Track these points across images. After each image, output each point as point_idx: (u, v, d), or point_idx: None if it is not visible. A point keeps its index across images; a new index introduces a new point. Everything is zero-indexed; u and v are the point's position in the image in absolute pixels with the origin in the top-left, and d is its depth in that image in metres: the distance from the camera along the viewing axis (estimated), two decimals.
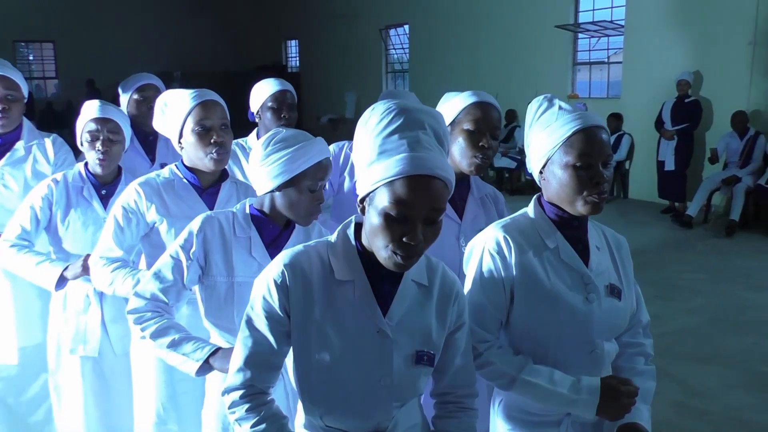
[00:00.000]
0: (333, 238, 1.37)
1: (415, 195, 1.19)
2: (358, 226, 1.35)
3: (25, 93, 2.77)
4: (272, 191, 1.72)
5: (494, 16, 11.67)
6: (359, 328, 1.31)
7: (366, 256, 1.31)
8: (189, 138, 2.04)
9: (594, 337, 1.57)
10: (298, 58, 18.80)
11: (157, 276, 1.76)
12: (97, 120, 2.35)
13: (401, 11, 14.10)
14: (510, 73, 11.45)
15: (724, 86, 8.43)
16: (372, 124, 1.26)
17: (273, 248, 1.77)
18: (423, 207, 1.20)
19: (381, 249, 1.24)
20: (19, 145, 2.78)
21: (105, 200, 2.42)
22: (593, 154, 1.48)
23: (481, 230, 1.96)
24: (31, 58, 19.65)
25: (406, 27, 14.28)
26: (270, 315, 1.33)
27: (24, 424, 2.84)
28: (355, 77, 15.68)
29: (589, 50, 10.70)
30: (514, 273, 1.55)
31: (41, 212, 2.39)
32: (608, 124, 9.38)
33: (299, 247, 1.37)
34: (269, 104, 2.80)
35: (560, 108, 1.56)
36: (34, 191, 2.43)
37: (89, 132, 2.36)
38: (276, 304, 1.32)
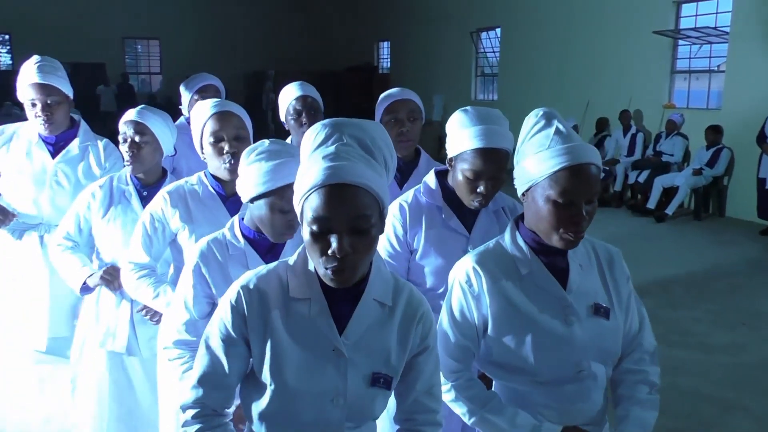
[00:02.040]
0: (292, 259, 1.35)
1: (330, 206, 1.17)
2: None
3: (69, 93, 2.88)
4: (248, 203, 1.74)
5: (589, 20, 11.27)
6: (315, 346, 1.30)
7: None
8: (207, 148, 2.11)
9: (579, 358, 1.54)
10: (389, 60, 18.89)
11: (175, 320, 1.82)
12: (128, 122, 2.41)
13: (493, 14, 13.89)
14: (603, 79, 11.03)
15: None
16: (302, 147, 1.27)
17: (270, 256, 1.81)
18: (341, 217, 1.17)
19: (317, 266, 1.23)
20: (74, 145, 2.91)
21: (146, 202, 2.45)
22: (577, 192, 1.43)
23: None
24: (138, 49, 20.71)
25: (498, 30, 14.05)
26: (225, 337, 1.32)
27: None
28: (444, 80, 15.59)
29: (690, 58, 10.14)
30: (487, 302, 1.54)
31: (84, 219, 2.49)
32: (706, 136, 8.85)
33: (261, 269, 1.36)
34: (290, 112, 2.84)
35: (556, 131, 1.47)
36: (81, 197, 2.52)
37: (121, 134, 2.43)
38: (231, 327, 1.31)
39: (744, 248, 7.42)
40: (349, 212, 1.18)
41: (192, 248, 1.84)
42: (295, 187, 1.25)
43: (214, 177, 2.17)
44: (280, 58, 19.35)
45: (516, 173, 1.55)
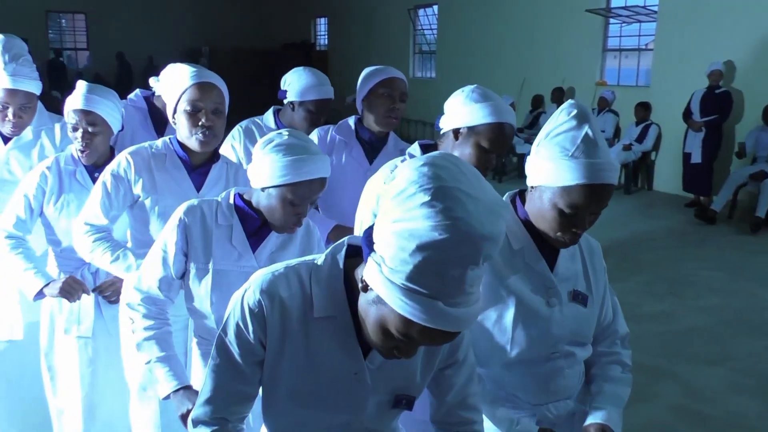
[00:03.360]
0: (320, 260, 1.20)
1: (423, 339, 1.01)
2: (351, 249, 1.19)
3: (38, 92, 2.68)
4: (259, 189, 1.72)
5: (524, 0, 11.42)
6: (335, 369, 1.19)
7: (352, 289, 1.14)
8: (180, 116, 2.05)
9: (556, 340, 1.58)
10: (326, 37, 18.67)
11: (149, 268, 1.81)
12: (78, 111, 2.31)
13: None
14: (538, 57, 11.22)
15: (757, 78, 8.14)
16: (416, 224, 0.94)
17: (255, 239, 1.80)
18: (426, 344, 1.07)
19: (372, 339, 1.10)
20: (28, 129, 2.73)
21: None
22: (586, 209, 1.43)
23: None
24: (63, 23, 19.79)
25: (435, 8, 14.07)
26: (243, 343, 1.20)
27: (20, 399, 2.86)
28: (382, 57, 15.45)
29: (620, 36, 10.41)
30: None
31: (35, 201, 2.38)
32: (636, 113, 9.14)
33: (280, 268, 1.21)
34: (310, 108, 2.82)
35: (585, 139, 1.41)
36: (28, 178, 2.40)
37: (70, 122, 2.33)
38: (250, 335, 1.18)
39: (671, 221, 7.75)
40: (433, 345, 1.11)
41: (181, 205, 1.80)
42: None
43: (182, 145, 2.12)
44: (214, 34, 18.87)
45: (530, 161, 1.51)
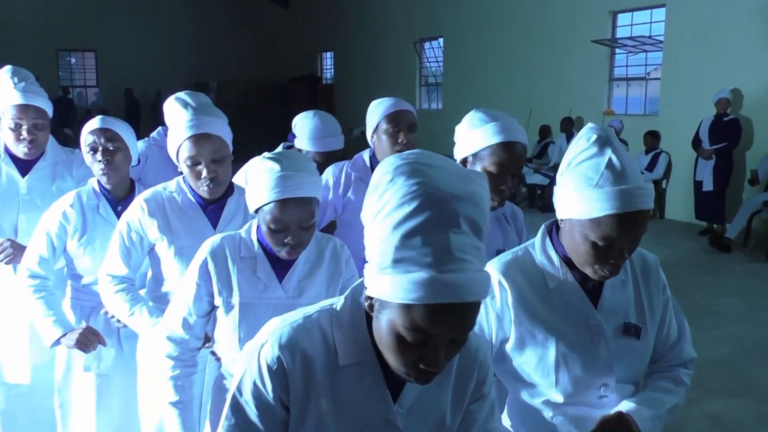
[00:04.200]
0: (338, 305, 1.13)
1: (437, 325, 0.95)
2: None
3: (51, 113, 2.71)
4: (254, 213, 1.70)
5: (530, 31, 11.52)
6: (364, 417, 1.11)
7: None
8: (183, 167, 2.02)
9: (604, 380, 1.46)
10: (332, 70, 18.86)
11: (173, 310, 1.79)
12: (94, 131, 2.30)
13: (436, 24, 14.04)
14: (545, 87, 11.27)
15: (766, 105, 8.14)
16: (389, 206, 0.97)
17: (280, 267, 1.75)
18: (446, 335, 0.97)
19: (393, 364, 1.03)
20: (44, 161, 2.74)
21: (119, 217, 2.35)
22: (620, 238, 1.33)
23: (498, 251, 1.87)
24: (72, 61, 20.04)
25: (441, 40, 14.20)
26: (261, 404, 1.11)
27: None
28: (388, 90, 15.50)
29: (627, 66, 10.47)
30: (511, 318, 1.45)
31: (57, 239, 2.34)
32: (645, 141, 9.14)
33: (297, 318, 1.12)
34: (316, 158, 2.76)
35: (609, 165, 1.33)
36: (49, 215, 2.36)
37: (89, 144, 2.31)
38: (269, 394, 1.09)
39: (684, 249, 7.67)
40: (456, 330, 0.97)
41: (204, 243, 1.77)
42: (371, 252, 1.00)
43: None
44: (222, 69, 19.07)
45: (558, 193, 1.42)
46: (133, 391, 2.36)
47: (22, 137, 2.59)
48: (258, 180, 1.61)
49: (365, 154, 2.62)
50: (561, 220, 1.43)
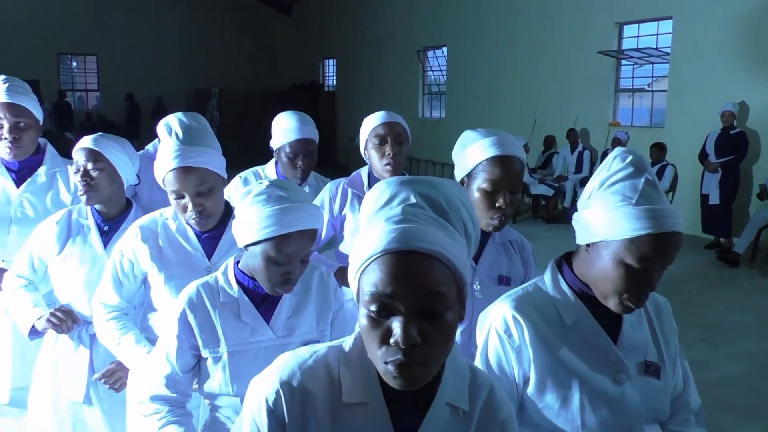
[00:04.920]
0: (348, 345, 1.07)
1: (393, 280, 0.91)
2: None
3: (40, 117, 2.65)
4: (243, 248, 1.58)
5: (535, 41, 11.48)
6: None
7: None
8: (170, 197, 1.92)
9: (632, 420, 1.39)
10: (335, 78, 18.82)
11: (154, 368, 1.64)
12: (79, 151, 2.20)
13: (440, 33, 14.00)
14: (550, 98, 11.22)
15: None
16: (362, 212, 1.04)
17: (265, 307, 1.63)
18: (407, 294, 0.90)
19: (374, 360, 0.96)
20: (41, 171, 2.66)
21: (106, 237, 2.26)
22: (657, 262, 1.28)
23: (501, 277, 1.85)
24: (74, 65, 19.98)
25: (444, 49, 14.17)
26: None
27: None
28: (391, 98, 15.58)
29: (633, 77, 10.42)
30: (530, 355, 1.37)
31: (39, 261, 2.28)
32: (651, 154, 9.07)
33: (306, 355, 1.07)
34: (286, 150, 2.70)
35: (646, 184, 1.29)
36: (35, 234, 2.29)
37: (74, 163, 2.21)
38: (265, 429, 1.05)
39: (692, 263, 7.59)
40: (417, 287, 0.90)
41: (181, 293, 1.65)
42: (350, 260, 1.00)
43: None
44: (224, 75, 19.04)
45: (584, 217, 1.36)
46: (110, 427, 2.27)
47: (3, 136, 2.53)
48: (253, 213, 1.50)
49: (363, 172, 2.57)
50: (586, 246, 1.36)
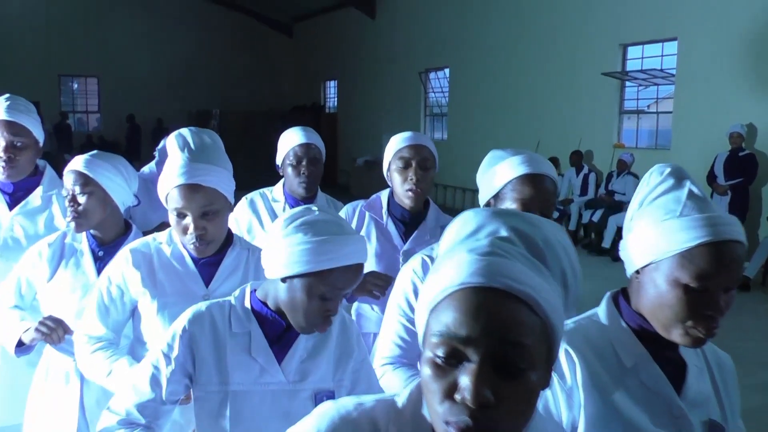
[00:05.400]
0: (401, 400, 0.91)
1: (468, 320, 0.75)
2: None
3: (40, 138, 2.51)
4: (278, 280, 1.41)
5: (538, 62, 11.42)
6: None
7: None
8: (170, 217, 1.77)
9: None
10: (336, 99, 18.80)
11: (133, 388, 1.45)
12: (69, 173, 2.06)
13: (442, 55, 13.97)
14: (553, 119, 11.13)
15: None
16: (442, 241, 0.88)
17: (279, 346, 1.46)
18: (483, 340, 0.74)
19: (434, 417, 0.79)
20: (36, 195, 2.51)
21: (100, 263, 2.10)
22: (717, 277, 1.11)
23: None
24: (75, 87, 19.95)
25: (447, 71, 14.13)
26: None
27: None
28: (392, 119, 15.53)
29: (637, 99, 10.33)
30: (582, 400, 1.17)
31: (27, 286, 2.13)
32: None
33: (349, 407, 0.91)
34: (290, 159, 2.59)
35: (690, 196, 1.15)
36: (25, 257, 2.14)
37: (64, 188, 2.07)
38: None
39: None
40: (498, 333, 0.74)
41: (186, 311, 1.47)
42: (420, 295, 0.83)
43: None
44: (225, 96, 19.01)
45: (629, 241, 1.21)
46: None
47: None
48: (301, 242, 1.33)
49: (383, 195, 2.41)
50: (636, 273, 1.19)
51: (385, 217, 2.32)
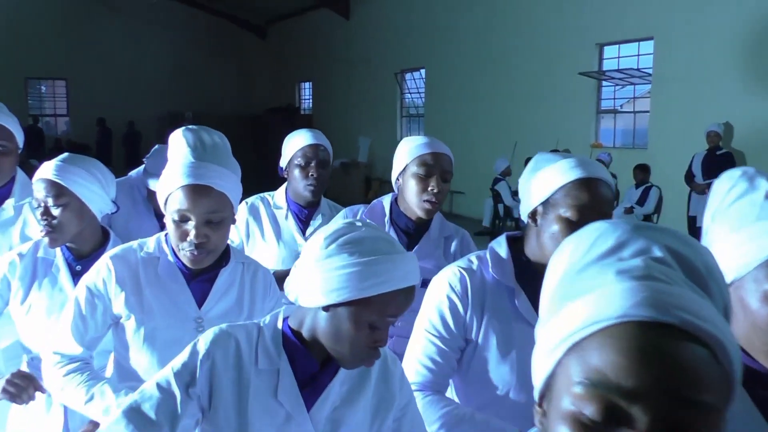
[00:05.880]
0: None
1: (633, 366, 0.55)
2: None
3: (20, 143, 2.32)
4: (318, 309, 1.20)
5: (515, 62, 11.35)
6: None
7: None
8: (168, 221, 1.57)
9: None
10: (311, 101, 18.60)
11: (133, 411, 1.19)
12: (39, 182, 1.86)
13: (418, 55, 13.86)
14: (530, 119, 11.06)
15: (758, 139, 7.98)
16: (564, 256, 0.71)
17: (309, 390, 1.24)
18: (658, 398, 0.55)
19: None
20: (8, 204, 2.31)
21: (79, 278, 1.88)
22: None
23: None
24: (42, 89, 19.47)
25: (423, 71, 14.01)
26: None
27: None
28: (369, 121, 15.40)
29: (614, 98, 10.31)
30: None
31: None
32: (635, 175, 8.91)
33: None
34: (297, 160, 2.44)
35: (767, 195, 1.00)
36: None
37: (34, 198, 1.87)
38: None
39: None
40: (678, 388, 0.55)
41: (206, 332, 1.25)
42: (546, 327, 0.65)
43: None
44: (198, 98, 18.70)
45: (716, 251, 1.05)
46: None
47: None
48: (347, 263, 1.14)
49: (386, 200, 2.21)
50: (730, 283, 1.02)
51: (387, 225, 2.13)
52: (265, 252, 2.45)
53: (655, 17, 9.01)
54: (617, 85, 10.08)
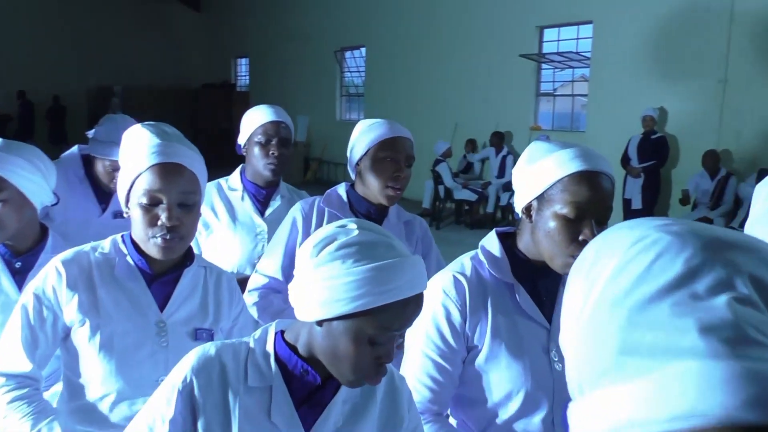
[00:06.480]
0: None
1: None
2: None
3: None
4: (312, 323, 1.07)
5: (456, 43, 11.29)
6: None
7: None
8: (134, 208, 1.41)
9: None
10: (248, 77, 18.12)
11: None
12: None
13: (358, 34, 13.63)
14: (470, 101, 11.06)
15: (691, 124, 8.20)
16: (606, 283, 0.53)
17: (307, 408, 1.12)
18: None
19: None
20: None
21: (20, 276, 1.72)
22: None
23: None
24: None
25: (363, 50, 13.81)
26: None
27: None
28: (307, 99, 15.10)
29: (553, 81, 10.40)
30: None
31: None
32: None
33: None
34: (257, 138, 2.28)
35: None
36: None
37: None
38: None
39: None
40: None
41: (188, 354, 1.12)
42: (617, 406, 0.47)
43: (137, 245, 1.47)
44: (128, 72, 17.89)
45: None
46: None
47: None
48: (342, 274, 1.00)
49: (341, 188, 2.11)
50: None
51: (348, 214, 2.01)
52: (223, 236, 2.32)
53: (594, 1, 9.10)
54: (556, 68, 10.17)
